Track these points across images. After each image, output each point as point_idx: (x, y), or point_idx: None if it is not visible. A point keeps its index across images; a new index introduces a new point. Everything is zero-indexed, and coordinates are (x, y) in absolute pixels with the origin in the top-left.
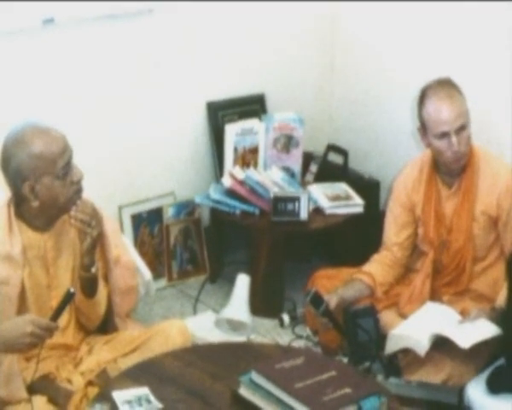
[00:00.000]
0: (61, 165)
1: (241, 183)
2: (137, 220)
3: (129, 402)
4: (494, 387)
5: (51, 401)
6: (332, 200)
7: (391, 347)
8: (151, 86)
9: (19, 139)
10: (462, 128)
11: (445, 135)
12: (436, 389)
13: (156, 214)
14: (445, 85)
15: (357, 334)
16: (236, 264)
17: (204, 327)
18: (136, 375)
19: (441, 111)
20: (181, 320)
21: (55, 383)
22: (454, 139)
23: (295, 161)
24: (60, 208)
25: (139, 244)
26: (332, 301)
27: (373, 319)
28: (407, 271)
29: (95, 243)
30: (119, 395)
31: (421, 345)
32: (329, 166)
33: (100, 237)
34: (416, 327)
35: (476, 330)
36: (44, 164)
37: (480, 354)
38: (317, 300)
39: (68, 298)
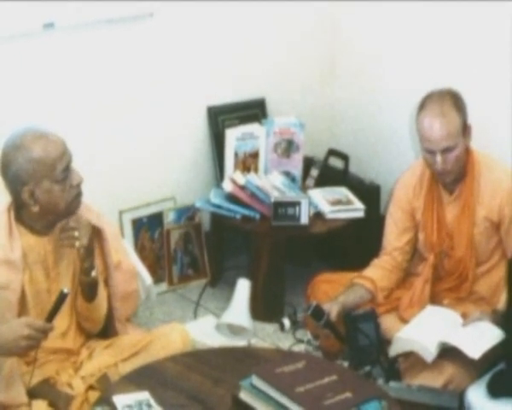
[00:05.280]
0: (60, 169)
1: (242, 187)
2: (138, 225)
3: (129, 407)
4: (495, 391)
5: (52, 405)
6: (332, 204)
7: (396, 349)
8: (151, 91)
9: (18, 144)
10: (448, 149)
11: (431, 152)
12: (437, 394)
13: (157, 219)
14: (444, 100)
15: (357, 338)
16: (237, 268)
17: (204, 331)
18: (137, 379)
19: (430, 129)
20: (181, 325)
21: (55, 388)
22: (439, 158)
23: (296, 165)
24: (60, 213)
25: (140, 249)
26: (333, 311)
27: (373, 323)
28: (408, 275)
29: (90, 249)
30: (119, 400)
31: (429, 352)
32: (330, 170)
33: (98, 236)
34: (422, 331)
35: (482, 337)
36: (43, 169)
37: (481, 359)
38: (317, 313)
39: (62, 298)
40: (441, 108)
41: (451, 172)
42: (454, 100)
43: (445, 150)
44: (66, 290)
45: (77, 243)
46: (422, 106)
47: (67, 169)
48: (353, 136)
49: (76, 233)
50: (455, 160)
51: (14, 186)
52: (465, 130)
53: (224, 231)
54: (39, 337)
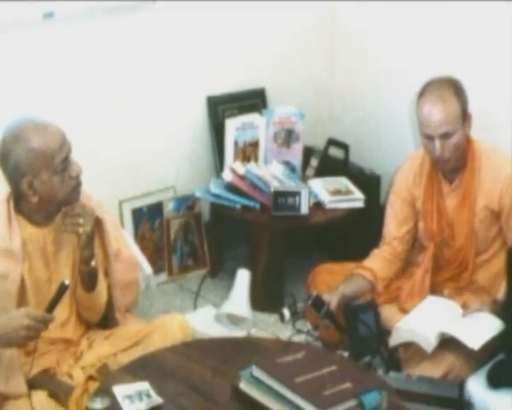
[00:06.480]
0: (59, 160)
1: (242, 177)
2: (138, 215)
3: (129, 397)
4: (494, 381)
5: (52, 395)
6: (332, 194)
7: (396, 339)
8: (151, 80)
9: (17, 135)
10: (447, 135)
11: (429, 138)
12: (436, 384)
13: (156, 209)
14: (443, 86)
15: (357, 329)
16: (237, 259)
17: (204, 322)
18: (137, 370)
19: (429, 114)
20: (181, 315)
21: (55, 378)
22: (437, 144)
23: (296, 155)
24: (59, 203)
25: (139, 239)
26: (333, 301)
27: (374, 313)
28: (408, 265)
29: (91, 237)
30: (119, 390)
31: (429, 342)
32: (330, 160)
33: (98, 226)
34: (422, 322)
35: (482, 328)
36: (42, 159)
37: (481, 349)
38: (317, 303)
39: (63, 290)
40: (441, 94)
41: (450, 160)
42: (454, 87)
43: (444, 136)
44: (66, 282)
45: (80, 230)
46: (422, 93)
47: (66, 160)
48: (353, 126)
49: (81, 220)
50: (453, 147)
51: (13, 177)
52: (465, 117)
53: (224, 220)
54: (39, 328)
